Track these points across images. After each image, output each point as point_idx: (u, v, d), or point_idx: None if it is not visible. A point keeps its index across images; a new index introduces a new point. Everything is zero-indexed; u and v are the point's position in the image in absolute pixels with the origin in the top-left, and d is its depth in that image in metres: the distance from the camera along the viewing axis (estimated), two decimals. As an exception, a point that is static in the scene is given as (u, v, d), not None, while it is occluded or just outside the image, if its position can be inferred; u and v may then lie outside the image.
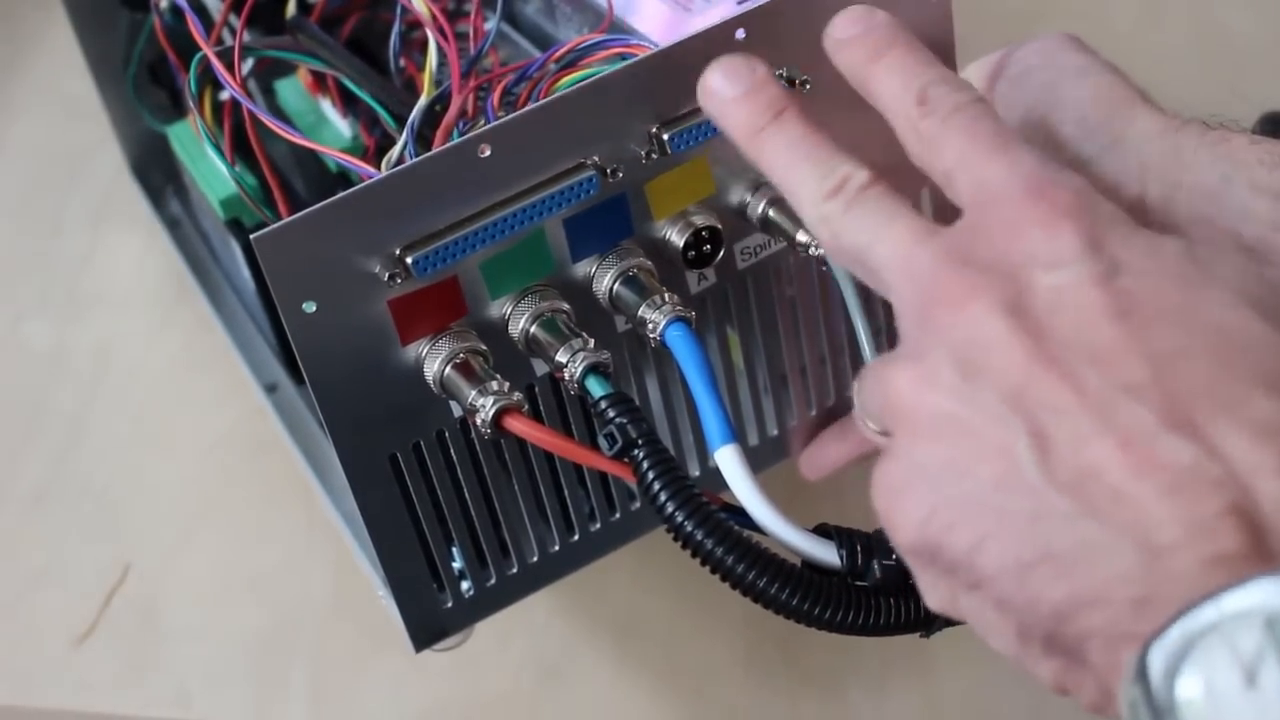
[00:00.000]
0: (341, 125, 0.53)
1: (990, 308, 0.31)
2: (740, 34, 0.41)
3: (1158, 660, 0.27)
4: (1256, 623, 0.26)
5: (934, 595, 0.33)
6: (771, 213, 0.44)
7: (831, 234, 0.35)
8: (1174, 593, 0.27)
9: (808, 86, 0.43)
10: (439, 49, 0.45)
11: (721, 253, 0.44)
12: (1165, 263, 0.31)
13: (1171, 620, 0.27)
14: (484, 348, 0.42)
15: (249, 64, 0.51)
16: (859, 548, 0.39)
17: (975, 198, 0.34)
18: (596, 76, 0.41)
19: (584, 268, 0.43)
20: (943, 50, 0.45)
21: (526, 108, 0.41)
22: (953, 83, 0.36)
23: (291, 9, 0.51)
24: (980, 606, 0.31)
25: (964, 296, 0.31)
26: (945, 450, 0.31)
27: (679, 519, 0.37)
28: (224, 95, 0.49)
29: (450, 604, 0.46)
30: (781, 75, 0.42)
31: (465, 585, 0.46)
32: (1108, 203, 0.33)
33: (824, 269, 0.46)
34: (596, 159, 0.41)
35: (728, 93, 0.38)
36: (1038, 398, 0.30)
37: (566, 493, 0.47)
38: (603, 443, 0.39)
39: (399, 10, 0.47)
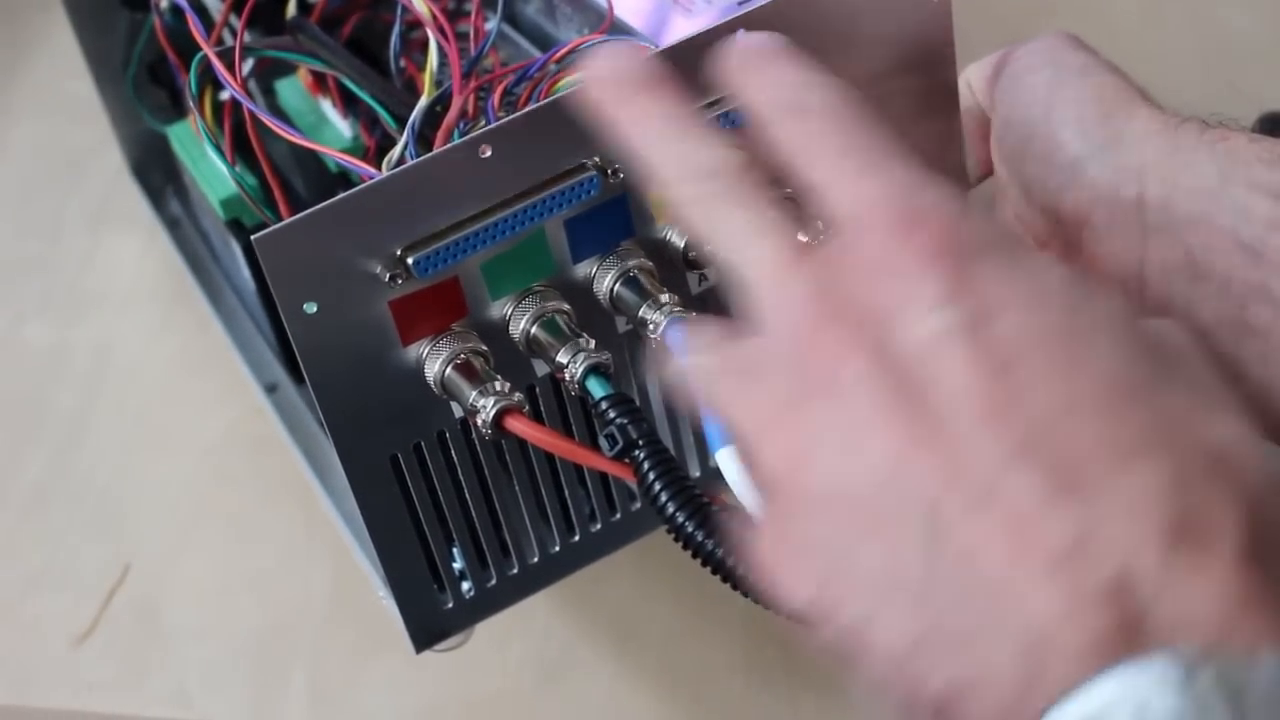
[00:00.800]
0: (342, 125, 0.53)
1: (863, 374, 0.29)
2: (740, 34, 0.41)
3: None
4: (1125, 712, 0.25)
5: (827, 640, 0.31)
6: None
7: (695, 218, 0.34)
8: (1054, 675, 0.26)
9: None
10: (439, 49, 0.45)
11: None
12: (1048, 299, 0.30)
13: (1041, 715, 0.26)
14: (485, 348, 0.42)
15: (249, 64, 0.51)
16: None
17: (845, 220, 0.32)
18: (597, 77, 0.41)
19: (585, 268, 0.43)
20: (942, 50, 0.45)
21: (527, 108, 0.41)
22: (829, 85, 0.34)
23: (292, 9, 0.51)
24: (868, 669, 0.30)
25: (836, 359, 0.30)
26: (831, 527, 0.30)
27: (679, 519, 0.37)
28: (224, 95, 0.49)
29: (450, 604, 0.46)
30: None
31: (466, 586, 0.46)
32: (988, 223, 0.31)
33: None
34: (597, 159, 0.41)
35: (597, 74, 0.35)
36: (919, 474, 0.28)
37: (567, 493, 0.47)
38: (603, 443, 0.39)
39: (399, 10, 0.47)
